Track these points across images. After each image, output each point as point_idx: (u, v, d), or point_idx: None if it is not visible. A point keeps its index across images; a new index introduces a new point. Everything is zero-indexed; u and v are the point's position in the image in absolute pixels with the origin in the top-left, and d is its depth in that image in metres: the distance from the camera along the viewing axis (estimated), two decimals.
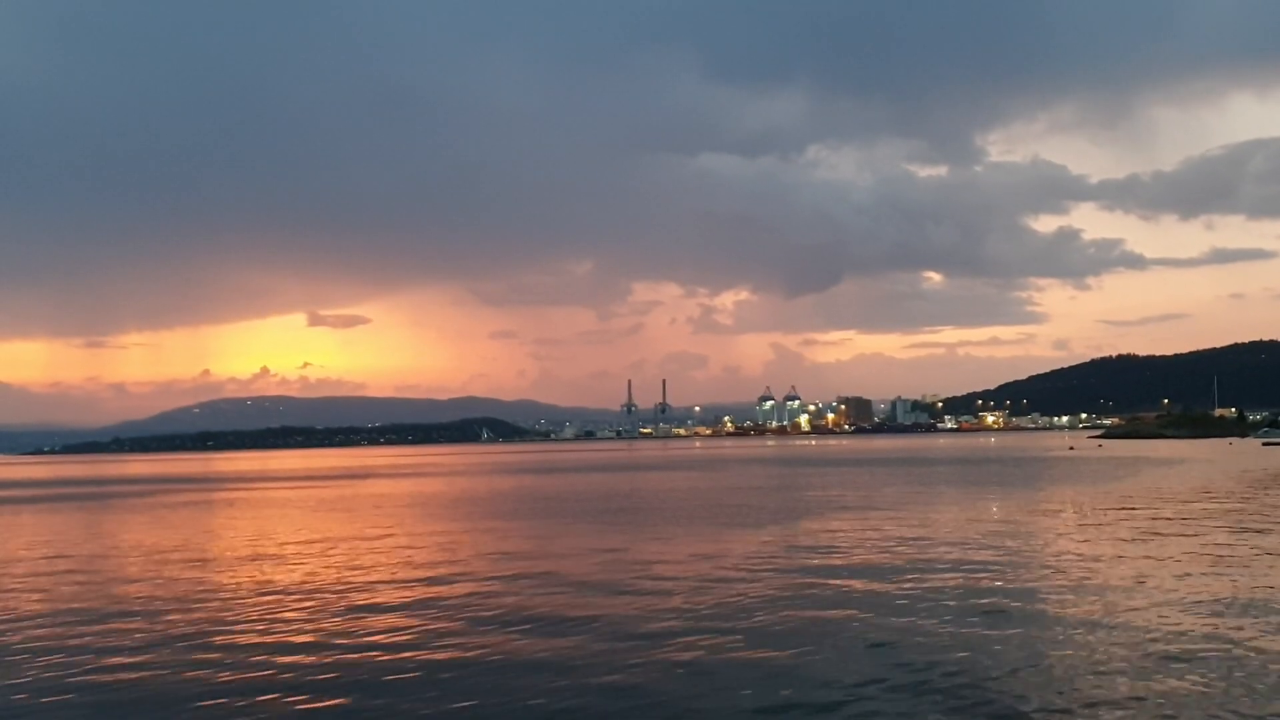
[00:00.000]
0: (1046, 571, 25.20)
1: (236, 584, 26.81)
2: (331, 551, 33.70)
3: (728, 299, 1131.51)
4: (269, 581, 27.04)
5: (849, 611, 20.57)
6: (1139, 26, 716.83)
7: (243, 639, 19.40)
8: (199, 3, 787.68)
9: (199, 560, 32.22)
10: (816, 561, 28.14)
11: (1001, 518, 39.79)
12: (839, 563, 27.71)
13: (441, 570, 28.34)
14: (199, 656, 17.98)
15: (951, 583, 23.73)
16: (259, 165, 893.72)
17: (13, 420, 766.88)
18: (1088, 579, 23.77)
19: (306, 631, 20.07)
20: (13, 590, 26.85)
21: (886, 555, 28.97)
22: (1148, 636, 17.60)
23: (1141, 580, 23.49)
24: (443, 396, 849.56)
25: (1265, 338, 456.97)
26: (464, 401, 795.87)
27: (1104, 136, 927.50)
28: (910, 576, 24.80)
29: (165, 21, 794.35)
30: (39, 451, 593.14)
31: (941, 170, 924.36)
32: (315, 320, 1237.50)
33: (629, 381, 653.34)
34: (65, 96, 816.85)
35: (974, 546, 30.40)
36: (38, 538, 42.51)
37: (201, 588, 26.21)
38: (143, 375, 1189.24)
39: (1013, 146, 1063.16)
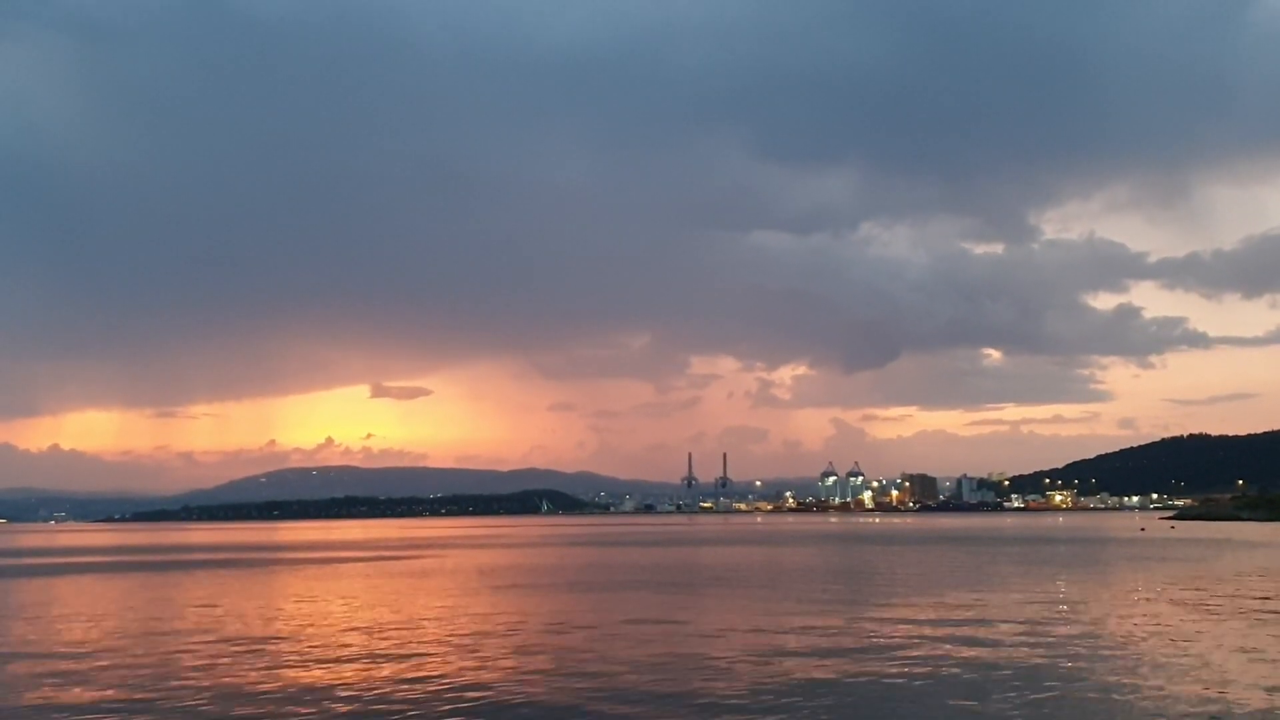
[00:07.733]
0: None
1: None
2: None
3: (786, 373, 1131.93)
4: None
5: None
6: (1193, 106, 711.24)
7: None
8: (266, 86, 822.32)
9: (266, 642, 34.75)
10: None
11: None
12: None
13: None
14: None
15: None
16: (325, 241, 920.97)
17: (86, 488, 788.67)
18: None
19: None
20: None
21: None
22: None
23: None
24: (503, 468, 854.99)
25: None
26: (524, 473, 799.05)
27: (1161, 215, 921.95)
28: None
29: (234, 104, 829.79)
30: (110, 519, 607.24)
31: (997, 248, 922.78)
32: (378, 392, 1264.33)
33: (689, 455, 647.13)
34: (141, 179, 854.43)
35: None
36: (100, 605, 45.68)
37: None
38: (211, 445, 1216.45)
39: (1068, 225, 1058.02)
